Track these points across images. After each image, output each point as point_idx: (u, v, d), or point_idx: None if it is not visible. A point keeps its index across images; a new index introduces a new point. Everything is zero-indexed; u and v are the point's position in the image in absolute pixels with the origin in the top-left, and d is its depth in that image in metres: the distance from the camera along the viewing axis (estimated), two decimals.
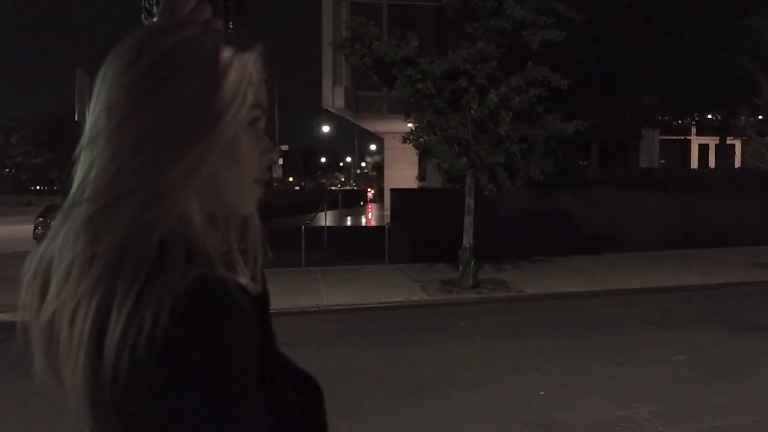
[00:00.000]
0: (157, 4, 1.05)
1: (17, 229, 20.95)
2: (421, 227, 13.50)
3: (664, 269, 12.37)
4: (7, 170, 65.20)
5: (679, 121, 21.50)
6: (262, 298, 0.91)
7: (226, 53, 0.79)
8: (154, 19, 0.86)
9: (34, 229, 18.79)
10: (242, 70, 0.79)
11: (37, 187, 72.63)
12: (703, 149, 26.67)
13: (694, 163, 26.70)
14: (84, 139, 0.77)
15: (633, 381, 5.78)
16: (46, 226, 18.34)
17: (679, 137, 25.15)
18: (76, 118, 9.87)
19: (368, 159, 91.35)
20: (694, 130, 24.82)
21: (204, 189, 0.77)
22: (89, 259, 0.70)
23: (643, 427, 4.68)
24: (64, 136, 50.53)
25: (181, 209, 0.75)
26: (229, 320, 0.69)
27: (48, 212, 19.10)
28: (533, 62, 10.23)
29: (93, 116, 0.77)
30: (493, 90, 10.04)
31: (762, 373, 6.03)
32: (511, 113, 10.12)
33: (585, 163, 20.97)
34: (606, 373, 6.05)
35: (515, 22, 10.02)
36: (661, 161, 24.50)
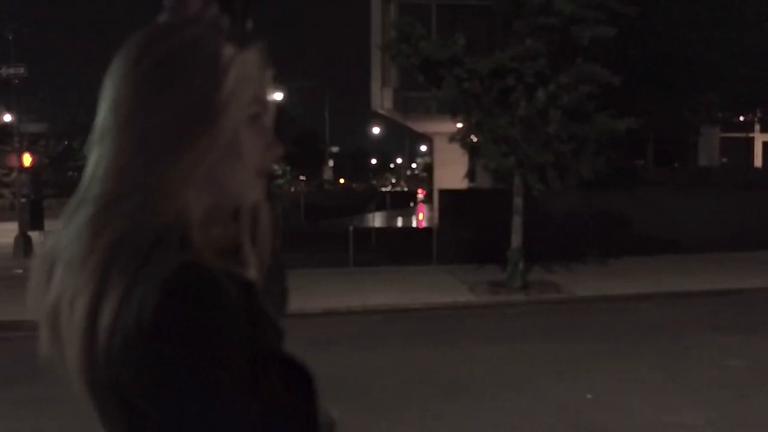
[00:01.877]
0: None
1: None
2: (469, 228, 13.38)
3: (722, 271, 11.91)
4: (70, 173, 68.17)
5: (741, 118, 20.69)
6: (275, 290, 0.96)
7: (227, 52, 0.80)
8: (161, 17, 0.88)
9: None
10: (242, 69, 0.81)
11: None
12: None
13: (758, 162, 25.64)
14: (93, 136, 0.80)
15: (685, 386, 5.58)
16: None
17: (741, 134, 24.20)
18: None
19: (419, 160, 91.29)
20: (757, 127, 23.84)
21: (204, 183, 0.80)
22: (89, 251, 0.74)
23: None
24: None
25: (180, 205, 0.78)
26: (209, 303, 0.72)
27: None
28: (583, 59, 10.01)
29: (101, 114, 0.80)
30: (541, 88, 9.88)
31: None
32: (560, 111, 9.93)
33: (641, 162, 20.43)
34: (656, 377, 5.85)
35: (564, 18, 9.83)
36: (723, 160, 23.65)
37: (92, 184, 0.78)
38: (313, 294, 9.51)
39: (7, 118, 37.39)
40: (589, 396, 5.35)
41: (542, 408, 5.13)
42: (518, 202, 10.73)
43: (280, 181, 68.84)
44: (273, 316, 0.87)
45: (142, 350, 0.69)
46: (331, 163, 47.48)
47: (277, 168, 66.27)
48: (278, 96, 38.47)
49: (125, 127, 0.77)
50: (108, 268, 0.72)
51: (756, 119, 21.16)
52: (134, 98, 0.77)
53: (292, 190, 55.24)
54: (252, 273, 0.85)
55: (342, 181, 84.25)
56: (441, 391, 5.64)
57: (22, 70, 17.04)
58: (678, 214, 14.53)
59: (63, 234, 0.78)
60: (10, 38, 17.14)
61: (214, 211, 0.84)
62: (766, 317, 8.37)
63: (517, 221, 10.71)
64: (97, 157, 0.79)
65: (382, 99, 18.37)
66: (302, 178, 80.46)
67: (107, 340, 0.70)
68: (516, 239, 10.67)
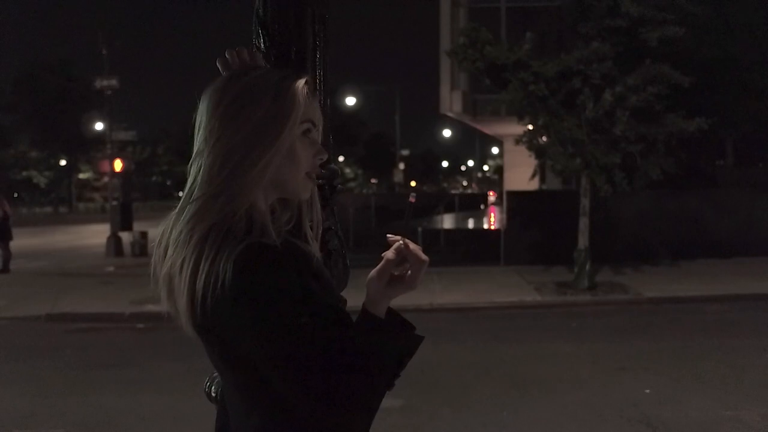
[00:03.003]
0: (263, 26, 1.51)
1: None
2: (537, 229, 13.46)
3: None
4: (154, 178, 71.39)
5: None
6: (339, 267, 1.37)
7: (283, 85, 1.16)
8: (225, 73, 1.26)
9: None
10: (294, 96, 1.16)
11: (180, 193, 78.77)
12: None
13: None
14: (194, 154, 1.18)
15: (747, 384, 5.63)
16: None
17: None
18: None
19: (490, 162, 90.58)
20: None
21: (269, 185, 1.16)
22: (192, 233, 1.10)
23: (752, 428, 4.61)
24: None
25: (252, 200, 1.13)
26: (264, 270, 1.06)
27: None
28: (651, 60, 9.99)
29: (199, 138, 1.18)
30: (608, 89, 9.93)
31: None
32: (627, 113, 9.95)
33: (721, 162, 19.83)
34: (719, 375, 5.92)
35: (631, 19, 9.85)
36: None
37: (195, 187, 1.14)
38: None
39: (99, 126, 39.87)
40: (647, 390, 5.50)
41: (602, 401, 5.32)
42: (585, 203, 10.79)
43: (351, 184, 69.97)
44: (330, 280, 1.23)
45: (224, 302, 1.04)
46: (402, 166, 47.84)
47: (349, 171, 67.42)
48: (350, 101, 39.28)
49: (214, 147, 1.13)
50: (203, 245, 1.08)
51: None
52: (219, 127, 1.14)
53: (363, 192, 56.08)
54: (314, 248, 1.22)
55: (413, 183, 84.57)
56: (504, 384, 5.90)
57: (114, 82, 18.31)
58: (755, 216, 14.10)
59: (172, 223, 1.15)
60: (104, 53, 18.41)
61: (279, 203, 1.21)
62: None
63: (583, 222, 10.77)
64: (197, 169, 1.15)
65: (451, 102, 18.61)
66: (374, 180, 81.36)
67: (202, 296, 1.06)
68: (582, 240, 10.73)
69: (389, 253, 1.14)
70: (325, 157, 1.22)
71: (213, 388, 1.53)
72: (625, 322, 8.67)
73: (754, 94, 13.76)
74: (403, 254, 1.14)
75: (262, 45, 1.50)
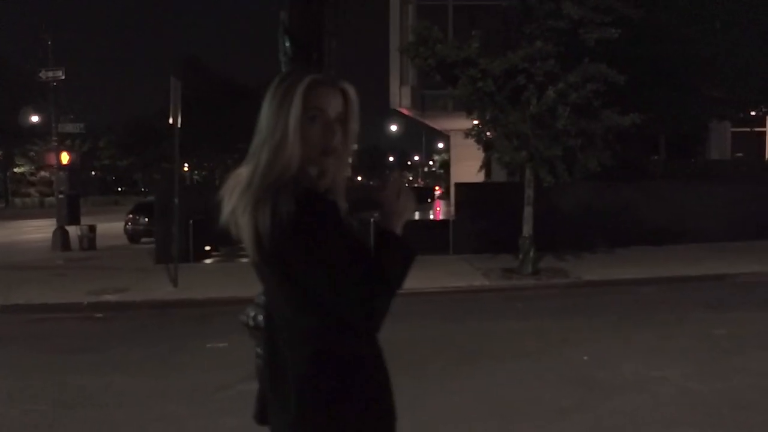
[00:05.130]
0: (289, 34, 1.90)
1: (109, 226, 22.70)
2: (484, 219, 14.09)
3: (725, 258, 12.54)
4: (93, 172, 69.43)
5: (752, 113, 21.11)
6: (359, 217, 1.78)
7: (282, 85, 1.57)
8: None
9: (125, 225, 20.14)
10: (288, 93, 1.54)
11: (120, 189, 76.71)
12: None
13: None
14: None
15: (672, 350, 6.31)
16: (136, 222, 19.82)
17: (753, 129, 24.57)
18: (171, 122, 10.97)
19: (436, 157, 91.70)
20: None
21: (305, 158, 1.55)
22: (251, 184, 1.51)
23: (674, 383, 5.25)
24: (149, 140, 53.62)
25: (294, 167, 1.52)
26: (320, 207, 1.47)
27: (137, 210, 20.27)
28: (590, 59, 10.69)
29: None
30: (551, 87, 10.58)
31: None
32: (568, 108, 10.62)
33: (656, 156, 20.96)
34: (649, 344, 6.59)
35: (572, 21, 10.52)
36: (738, 154, 24.06)
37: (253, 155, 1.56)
38: None
39: (35, 118, 38.67)
40: (585, 357, 6.11)
41: (545, 367, 5.89)
42: (529, 193, 11.44)
43: None
44: (354, 226, 1.65)
45: (290, 232, 1.44)
46: (349, 160, 48.08)
47: None
48: None
49: (257, 131, 1.57)
50: (262, 192, 1.48)
51: (766, 113, 21.55)
52: (259, 119, 1.57)
53: None
54: (340, 202, 1.64)
55: (360, 178, 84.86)
56: (457, 357, 6.40)
57: (60, 74, 18.05)
58: (685, 206, 15.15)
59: (239, 176, 1.56)
60: (49, 43, 18.12)
61: (323, 172, 1.61)
62: (757, 297, 9.03)
63: (528, 211, 11.43)
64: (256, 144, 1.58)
65: (400, 97, 19.05)
66: None
67: (269, 232, 1.45)
68: (527, 228, 11.39)
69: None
70: (334, 137, 1.59)
71: (251, 320, 1.92)
72: (566, 303, 9.34)
73: (684, 93, 14.73)
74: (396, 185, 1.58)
75: (289, 49, 1.90)
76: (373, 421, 1.54)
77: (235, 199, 1.53)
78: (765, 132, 25.79)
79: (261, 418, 1.70)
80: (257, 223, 1.46)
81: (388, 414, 1.59)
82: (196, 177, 58.39)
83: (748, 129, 22.37)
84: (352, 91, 1.62)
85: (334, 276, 1.44)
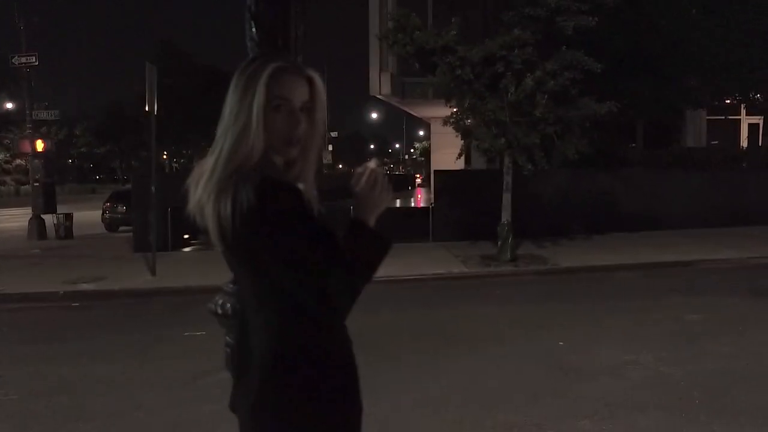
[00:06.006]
0: (255, 19, 1.88)
1: (86, 214, 22.44)
2: (464, 207, 14.15)
3: (699, 245, 12.75)
4: (70, 160, 68.41)
5: (726, 101, 21.40)
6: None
7: (243, 74, 1.55)
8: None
9: (103, 213, 19.92)
10: (250, 82, 1.52)
11: (98, 177, 75.65)
12: (753, 128, 26.28)
13: (744, 143, 26.34)
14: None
15: (646, 335, 6.42)
16: (113, 211, 19.60)
17: (727, 117, 24.90)
18: (147, 109, 10.84)
19: (416, 145, 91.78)
20: (744, 110, 24.55)
21: (269, 146, 1.54)
22: (215, 173, 1.50)
23: (646, 367, 5.35)
24: (126, 127, 52.95)
25: (257, 155, 1.51)
26: (281, 195, 1.45)
27: (115, 198, 20.03)
28: (567, 47, 10.74)
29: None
30: (529, 74, 10.61)
31: (764, 328, 6.60)
32: (546, 96, 10.67)
33: (633, 145, 21.18)
34: (623, 329, 6.70)
35: (549, 9, 10.55)
36: (714, 142, 24.39)
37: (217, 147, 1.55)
38: None
39: (9, 105, 37.89)
40: (561, 343, 6.19)
41: (522, 352, 5.96)
42: (508, 180, 11.51)
43: None
44: (320, 213, 1.65)
45: (249, 221, 1.43)
46: (330, 147, 47.98)
47: None
48: None
49: (221, 119, 1.55)
50: (227, 183, 1.47)
51: (737, 102, 21.85)
52: (224, 107, 1.55)
53: None
54: (309, 190, 1.63)
55: (341, 166, 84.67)
56: (436, 343, 6.45)
57: (33, 59, 17.71)
58: (661, 193, 15.36)
59: (204, 165, 1.55)
60: (22, 28, 17.76)
61: (289, 161, 1.60)
62: (730, 283, 9.21)
63: (506, 198, 11.50)
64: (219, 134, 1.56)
65: (380, 84, 18.98)
66: None
67: (231, 220, 1.44)
68: (506, 215, 11.47)
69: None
70: (298, 126, 1.57)
71: (219, 307, 1.92)
72: (543, 289, 9.45)
73: (660, 81, 14.89)
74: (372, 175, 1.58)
75: (255, 35, 1.89)
76: (331, 421, 1.52)
77: (200, 188, 1.52)
78: (740, 120, 26.18)
79: (233, 405, 1.71)
80: (219, 212, 1.46)
81: (350, 409, 1.58)
82: (175, 165, 57.80)
83: (723, 117, 22.66)
84: (318, 79, 1.59)
85: (293, 265, 1.43)
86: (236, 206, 1.42)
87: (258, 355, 1.53)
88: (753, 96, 17.32)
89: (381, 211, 1.59)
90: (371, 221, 1.57)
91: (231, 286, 1.76)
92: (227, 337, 1.77)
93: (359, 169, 1.59)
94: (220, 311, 1.87)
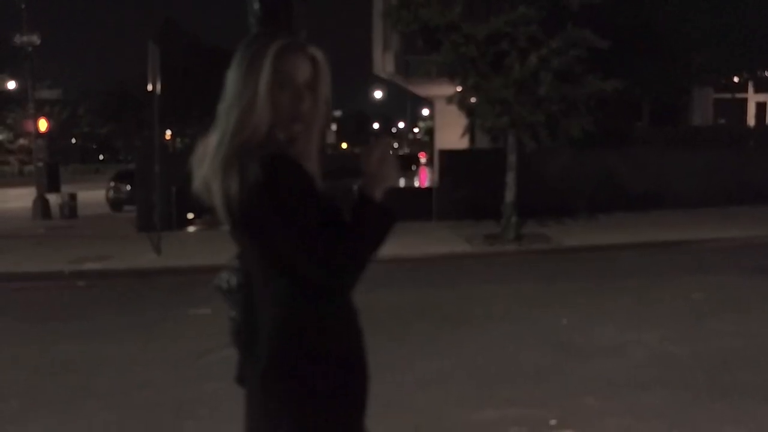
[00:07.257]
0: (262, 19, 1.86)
1: (90, 194, 22.45)
2: (467, 186, 14.09)
3: (705, 223, 12.69)
4: (74, 140, 68.42)
5: (735, 79, 21.19)
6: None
7: (248, 51, 1.56)
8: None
9: (107, 193, 19.97)
10: (256, 60, 1.53)
11: (101, 156, 75.66)
12: (761, 107, 26.05)
13: (752, 122, 26.13)
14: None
15: (649, 314, 6.42)
16: (117, 190, 19.63)
17: (734, 96, 24.66)
18: (149, 89, 10.80)
19: (421, 124, 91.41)
20: (751, 88, 24.31)
21: (274, 123, 1.54)
22: (221, 150, 1.51)
23: (650, 347, 5.36)
24: (129, 107, 52.80)
25: (262, 132, 1.52)
26: (288, 170, 1.47)
27: (119, 177, 20.07)
28: (573, 24, 10.62)
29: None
30: (533, 52, 10.51)
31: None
32: (551, 74, 10.58)
33: (639, 123, 21.04)
34: (627, 308, 6.70)
35: None
36: (721, 120, 24.19)
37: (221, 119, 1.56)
38: None
39: (12, 85, 37.85)
40: (564, 321, 6.20)
41: (525, 331, 5.97)
42: (512, 159, 11.45)
43: None
44: (330, 192, 1.64)
45: (256, 196, 1.44)
46: (333, 127, 47.86)
47: None
48: None
49: (225, 97, 1.56)
50: (230, 158, 1.48)
51: (748, 80, 21.65)
52: (227, 84, 1.56)
53: None
54: (312, 167, 1.62)
55: (345, 145, 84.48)
56: (439, 321, 6.47)
57: (35, 38, 17.64)
58: (666, 172, 15.25)
59: (208, 143, 1.56)
60: (23, 6, 17.65)
61: (292, 136, 1.60)
62: (736, 262, 9.17)
63: (510, 177, 11.45)
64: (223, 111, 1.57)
65: (383, 63, 18.84)
66: None
67: (238, 193, 1.45)
68: (510, 194, 11.42)
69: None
70: (302, 103, 1.57)
71: (225, 282, 1.91)
72: (547, 268, 9.44)
73: (666, 59, 14.73)
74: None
75: (258, 12, 1.86)
76: (339, 387, 1.54)
77: (206, 166, 1.54)
78: (747, 98, 25.92)
79: (241, 377, 1.73)
80: (226, 188, 1.48)
81: (358, 375, 1.60)
82: (179, 144, 57.77)
83: (730, 95, 22.43)
84: (321, 56, 1.60)
85: (301, 238, 1.45)
86: (243, 182, 1.45)
87: (266, 327, 1.55)
88: (761, 73, 17.12)
89: (388, 186, 1.59)
90: (378, 195, 1.57)
91: (236, 261, 1.76)
92: (231, 313, 1.78)
93: (371, 143, 1.61)
94: (226, 286, 1.87)
